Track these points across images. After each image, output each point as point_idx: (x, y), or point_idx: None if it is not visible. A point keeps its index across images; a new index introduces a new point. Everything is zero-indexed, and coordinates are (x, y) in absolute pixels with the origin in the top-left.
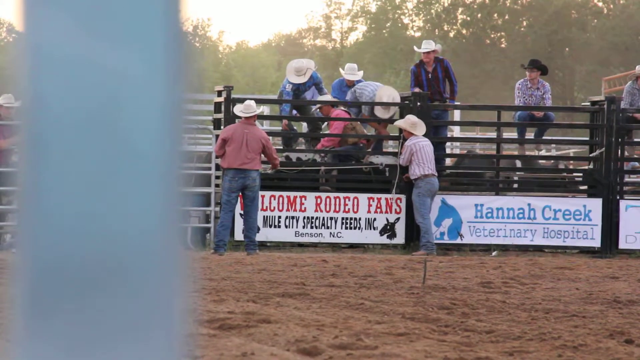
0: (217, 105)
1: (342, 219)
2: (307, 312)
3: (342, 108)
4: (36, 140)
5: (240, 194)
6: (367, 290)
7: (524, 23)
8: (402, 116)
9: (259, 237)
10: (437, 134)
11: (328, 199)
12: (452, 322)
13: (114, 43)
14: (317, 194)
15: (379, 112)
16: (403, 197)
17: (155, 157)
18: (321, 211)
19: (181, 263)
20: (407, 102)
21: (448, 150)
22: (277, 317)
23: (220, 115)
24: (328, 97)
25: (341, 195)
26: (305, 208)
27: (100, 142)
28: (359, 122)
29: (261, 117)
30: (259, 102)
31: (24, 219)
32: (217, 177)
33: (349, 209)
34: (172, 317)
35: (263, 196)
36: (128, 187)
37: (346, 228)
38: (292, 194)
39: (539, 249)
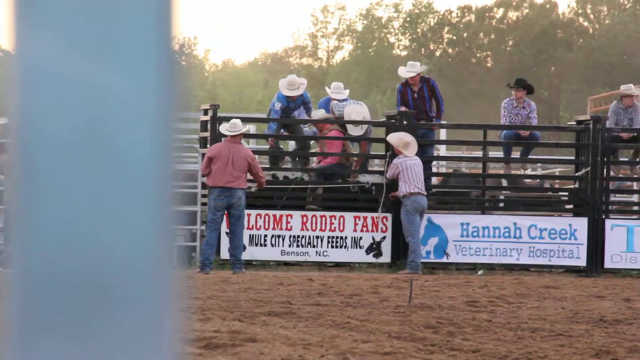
0: (203, 124)
1: (328, 237)
2: (293, 331)
3: (338, 128)
4: (27, 159)
5: (226, 212)
6: (353, 309)
7: (510, 42)
8: (387, 135)
9: (245, 256)
10: (423, 153)
11: (314, 218)
12: (438, 341)
13: (104, 62)
14: (303, 212)
15: (351, 130)
16: (389, 215)
17: (145, 176)
18: (307, 230)
19: (171, 282)
20: (393, 120)
21: (434, 169)
22: (263, 336)
23: (207, 134)
24: (323, 112)
25: (327, 214)
26: (291, 227)
27: (91, 161)
28: (348, 141)
29: (247, 135)
30: (245, 120)
31: (15, 237)
32: (203, 196)
33: (335, 227)
34: (163, 336)
35: (249, 215)
36: (119, 206)
37: (332, 247)
38: (278, 212)
39: (525, 268)
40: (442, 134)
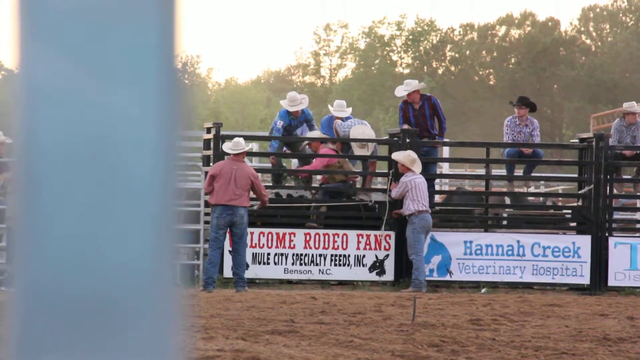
0: (207, 142)
1: (331, 255)
2: (297, 349)
3: (330, 146)
4: (30, 176)
5: (229, 231)
6: (357, 327)
7: (512, 60)
8: (390, 153)
9: (248, 274)
10: (426, 171)
11: (317, 236)
12: (441, 359)
13: (107, 80)
14: (306, 230)
15: (357, 150)
16: (392, 233)
17: (149, 194)
18: (310, 248)
19: (175, 300)
20: (396, 138)
21: (437, 187)
22: (267, 354)
23: (210, 152)
24: (317, 133)
25: (330, 232)
26: (294, 245)
27: (94, 180)
28: (346, 159)
29: (250, 153)
30: (248, 138)
31: (18, 255)
32: (206, 214)
33: (338, 245)
34: (166, 354)
35: (252, 233)
36: (122, 224)
37: (335, 265)
38: (281, 230)
39: (528, 286)
40: (445, 151)
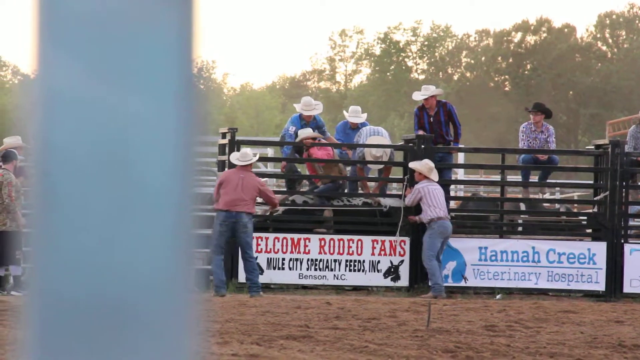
0: (222, 147)
1: (346, 261)
2: (311, 354)
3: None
4: (47, 182)
5: (234, 238)
6: (371, 333)
7: (528, 66)
8: (405, 158)
9: (263, 279)
10: (441, 177)
11: (332, 241)
12: None
13: (125, 86)
14: (321, 236)
15: (373, 165)
16: (407, 239)
17: (165, 199)
18: (325, 253)
19: (191, 305)
20: (411, 144)
21: (452, 193)
22: (281, 359)
23: (225, 157)
24: (309, 130)
25: (345, 237)
26: (309, 250)
27: (111, 184)
28: (340, 164)
29: (264, 159)
30: (263, 144)
31: (36, 260)
32: None
33: (352, 251)
34: (183, 359)
35: (267, 238)
36: (139, 229)
37: (350, 270)
38: (296, 235)
39: (543, 292)
40: (460, 157)
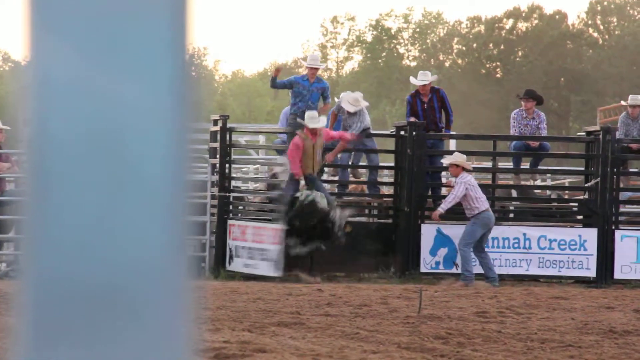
0: (213, 134)
1: None
2: (303, 341)
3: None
4: (40, 167)
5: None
6: (363, 319)
7: (520, 53)
8: (397, 143)
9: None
10: (432, 164)
11: None
12: (447, 351)
13: (118, 71)
14: None
15: (348, 107)
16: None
17: (159, 185)
18: None
19: (184, 291)
20: (402, 131)
21: (444, 180)
22: (273, 346)
23: (216, 144)
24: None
25: None
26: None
27: (104, 170)
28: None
29: (257, 146)
30: (255, 131)
31: (28, 245)
32: (212, 206)
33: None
34: (176, 345)
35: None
36: (132, 215)
37: None
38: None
39: (535, 278)
40: (452, 144)
